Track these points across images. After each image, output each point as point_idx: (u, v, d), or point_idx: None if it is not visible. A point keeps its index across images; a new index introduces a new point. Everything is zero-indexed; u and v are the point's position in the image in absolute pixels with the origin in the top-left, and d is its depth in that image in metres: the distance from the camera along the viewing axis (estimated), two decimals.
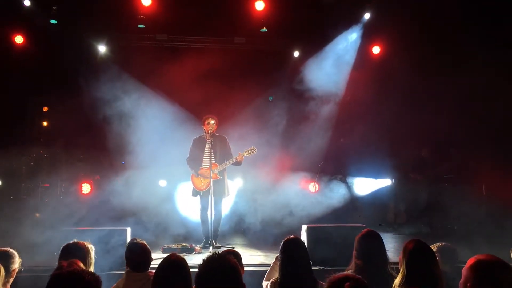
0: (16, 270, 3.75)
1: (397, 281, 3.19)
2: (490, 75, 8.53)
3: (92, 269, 3.69)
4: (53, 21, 9.51)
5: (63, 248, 3.77)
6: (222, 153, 7.52)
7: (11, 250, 3.80)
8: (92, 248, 3.80)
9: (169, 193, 9.52)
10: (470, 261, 2.54)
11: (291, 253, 3.58)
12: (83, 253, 3.68)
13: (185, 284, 2.92)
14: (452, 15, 8.95)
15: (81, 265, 3.16)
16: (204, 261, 2.36)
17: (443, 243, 4.10)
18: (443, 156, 9.76)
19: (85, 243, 3.80)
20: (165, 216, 8.70)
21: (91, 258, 3.74)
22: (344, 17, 10.07)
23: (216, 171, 7.31)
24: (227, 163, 7.41)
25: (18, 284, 3.81)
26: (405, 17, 8.98)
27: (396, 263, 3.67)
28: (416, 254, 3.20)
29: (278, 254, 3.88)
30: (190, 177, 7.63)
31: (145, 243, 3.95)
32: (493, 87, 8.75)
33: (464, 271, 2.53)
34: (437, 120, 9.85)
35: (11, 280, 3.68)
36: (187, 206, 8.89)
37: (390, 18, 9.51)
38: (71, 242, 3.81)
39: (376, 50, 10.72)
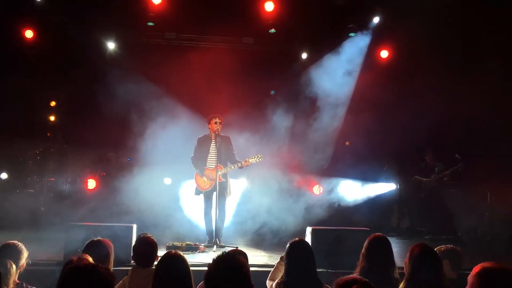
0: (24, 264, 3.80)
1: (401, 285, 3.21)
2: (498, 82, 8.53)
3: (111, 265, 3.76)
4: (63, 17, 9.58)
5: (88, 244, 3.81)
6: (226, 154, 7.55)
7: (20, 244, 3.84)
8: (111, 246, 3.85)
9: (174, 191, 9.55)
10: (476, 268, 2.54)
11: (297, 256, 3.61)
12: (106, 250, 3.75)
13: (184, 279, 2.97)
14: (463, 19, 8.98)
15: (90, 259, 3.20)
16: (214, 260, 2.39)
17: (449, 246, 4.11)
18: (448, 162, 9.74)
19: (108, 240, 3.87)
20: (170, 214, 8.73)
21: (111, 256, 3.79)
22: (353, 20, 10.10)
23: (220, 173, 7.34)
24: (233, 167, 7.45)
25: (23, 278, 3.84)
26: (414, 21, 8.99)
27: (401, 268, 3.70)
28: (422, 258, 3.22)
29: (282, 254, 3.93)
30: (194, 176, 7.67)
31: (153, 238, 4.00)
32: (501, 94, 8.75)
33: (470, 278, 2.54)
34: (443, 126, 9.86)
35: (19, 272, 3.74)
36: (192, 205, 8.91)
37: (400, 22, 9.51)
38: (96, 239, 3.86)
39: (384, 54, 10.75)
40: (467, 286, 2.54)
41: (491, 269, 2.49)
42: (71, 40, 9.81)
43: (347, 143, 10.97)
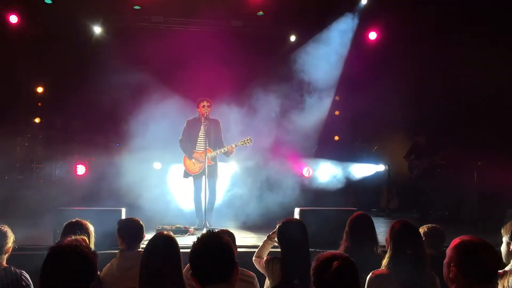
0: (11, 248, 3.78)
1: (384, 261, 3.26)
2: (486, 64, 8.55)
3: (92, 246, 3.75)
4: (48, 1, 9.43)
5: (65, 226, 3.81)
6: (215, 137, 7.55)
7: (5, 227, 3.81)
8: (92, 227, 3.86)
9: (163, 175, 9.54)
10: (454, 241, 2.58)
11: (294, 234, 3.62)
12: (85, 231, 3.73)
13: (173, 259, 2.98)
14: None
15: (89, 243, 3.23)
16: (198, 238, 2.42)
17: (432, 225, 4.16)
18: (438, 143, 9.81)
19: (87, 222, 3.86)
20: (159, 197, 8.75)
21: (91, 237, 3.80)
22: (342, 2, 10.06)
23: (209, 156, 7.34)
24: (221, 151, 7.43)
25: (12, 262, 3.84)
26: (402, 2, 8.98)
27: (383, 246, 3.74)
28: (403, 233, 3.27)
29: (270, 233, 4.02)
30: (182, 159, 7.67)
31: (140, 221, 4.03)
32: (488, 76, 8.78)
33: (448, 251, 2.57)
34: (432, 107, 9.90)
35: (6, 256, 3.72)
36: (181, 188, 8.92)
37: (388, 4, 9.49)
38: (74, 220, 3.86)
39: (372, 36, 10.74)
40: (445, 259, 2.57)
41: (469, 242, 2.53)
42: (56, 25, 9.69)
43: (336, 112, 10.97)
